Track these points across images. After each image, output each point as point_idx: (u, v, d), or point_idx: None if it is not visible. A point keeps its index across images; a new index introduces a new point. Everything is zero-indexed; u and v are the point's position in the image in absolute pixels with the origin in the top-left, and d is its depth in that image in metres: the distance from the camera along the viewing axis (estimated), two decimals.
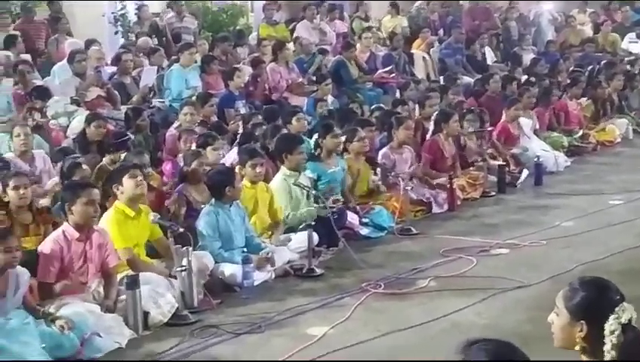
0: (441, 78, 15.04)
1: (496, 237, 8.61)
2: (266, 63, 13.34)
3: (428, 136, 10.98)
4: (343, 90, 13.67)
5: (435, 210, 9.79)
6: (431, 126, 10.99)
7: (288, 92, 13.22)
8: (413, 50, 16.21)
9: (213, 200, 7.56)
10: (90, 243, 6.49)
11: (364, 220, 8.95)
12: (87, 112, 10.34)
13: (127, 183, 6.98)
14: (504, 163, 11.13)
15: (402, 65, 15.26)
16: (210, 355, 5.90)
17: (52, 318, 5.86)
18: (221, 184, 7.52)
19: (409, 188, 9.39)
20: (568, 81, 14.68)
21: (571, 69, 16.17)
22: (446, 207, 9.84)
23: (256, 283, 7.24)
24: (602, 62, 16.72)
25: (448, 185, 9.87)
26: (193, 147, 8.80)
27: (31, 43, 13.31)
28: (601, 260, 7.67)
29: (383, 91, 14.15)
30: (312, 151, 9.23)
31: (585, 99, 14.34)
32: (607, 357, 3.11)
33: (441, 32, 18.07)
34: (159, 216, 7.05)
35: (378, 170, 9.94)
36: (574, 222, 9.12)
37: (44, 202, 7.70)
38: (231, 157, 9.28)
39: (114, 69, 12.47)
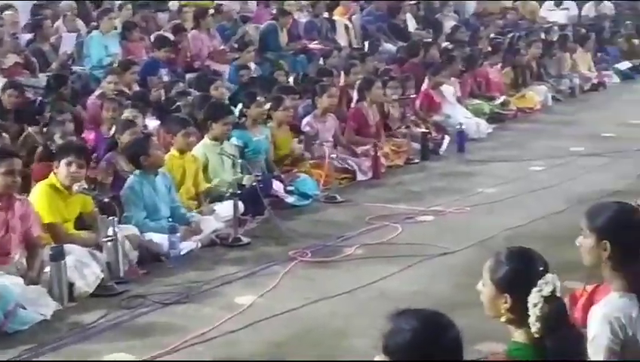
0: (366, 43, 15.06)
1: (420, 204, 8.69)
2: (188, 30, 13.16)
3: (353, 104, 10.99)
4: (266, 57, 13.58)
5: (360, 177, 9.82)
6: (355, 93, 11.00)
7: (210, 59, 13.08)
8: (335, 17, 16.17)
9: (137, 170, 7.46)
10: (12, 212, 6.32)
11: (289, 188, 8.94)
12: (5, 80, 10.07)
13: (62, 170, 6.74)
14: (427, 130, 11.22)
15: (324, 33, 15.22)
16: (139, 325, 5.84)
17: None
18: (135, 154, 7.43)
19: (333, 156, 9.41)
20: (489, 49, 14.85)
21: (492, 36, 16.34)
22: (370, 174, 9.88)
23: (182, 253, 7.18)
24: (522, 30, 16.93)
25: (372, 153, 9.90)
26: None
27: None
28: (524, 226, 7.79)
29: (307, 59, 14.09)
30: (237, 119, 9.16)
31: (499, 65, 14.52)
32: (533, 328, 3.15)
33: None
34: (84, 186, 6.91)
35: (302, 137, 9.93)
36: (497, 188, 9.26)
37: None
38: (152, 125, 9.15)
39: (30, 36, 12.15)
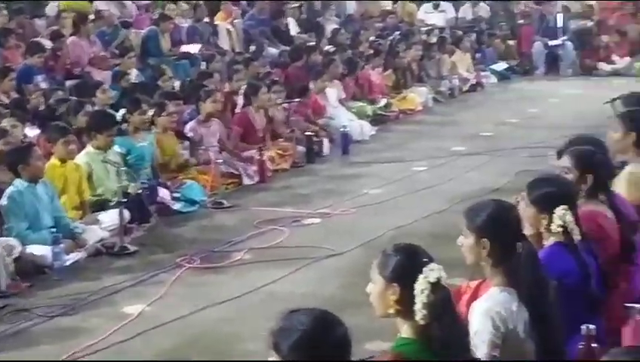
0: (251, 47, 15.09)
1: (307, 207, 8.76)
2: (67, 37, 12.92)
3: (237, 109, 10.99)
4: (147, 63, 13.45)
5: (246, 182, 9.83)
6: (240, 99, 10.99)
7: (90, 66, 12.86)
8: (217, 22, 16.13)
9: (17, 179, 7.29)
10: None
11: (176, 195, 8.87)
12: None
13: None
14: (312, 133, 11.30)
15: (207, 37, 15.16)
16: (23, 340, 5.71)
17: None
18: (14, 163, 7.27)
19: (219, 160, 9.40)
20: (370, 52, 15.05)
21: (372, 39, 16.56)
22: (257, 178, 9.89)
23: (67, 264, 7.06)
24: (401, 33, 17.21)
25: (258, 157, 9.92)
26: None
27: None
28: (409, 225, 7.93)
29: (190, 63, 14.00)
30: (119, 125, 9.05)
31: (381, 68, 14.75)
32: (419, 315, 3.24)
33: (244, 3, 18.04)
34: None
35: (187, 143, 9.88)
36: (381, 189, 9.39)
37: None
38: (32, 133, 8.95)
39: None
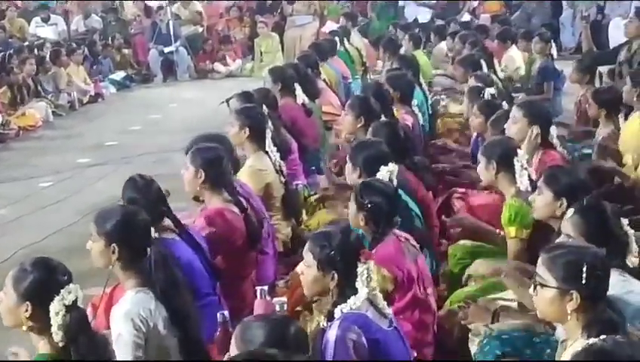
0: None
1: None
2: None
3: None
4: None
5: None
6: None
7: None
8: None
9: None
10: None
11: None
12: None
13: None
14: None
15: None
16: None
17: None
18: None
19: None
20: None
21: None
22: None
23: None
24: (12, 49, 16.65)
25: None
26: None
27: None
28: (40, 242, 7.74)
29: None
30: None
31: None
32: (56, 337, 3.25)
33: None
34: None
35: None
36: (7, 209, 9.04)
37: None
38: None
39: None
